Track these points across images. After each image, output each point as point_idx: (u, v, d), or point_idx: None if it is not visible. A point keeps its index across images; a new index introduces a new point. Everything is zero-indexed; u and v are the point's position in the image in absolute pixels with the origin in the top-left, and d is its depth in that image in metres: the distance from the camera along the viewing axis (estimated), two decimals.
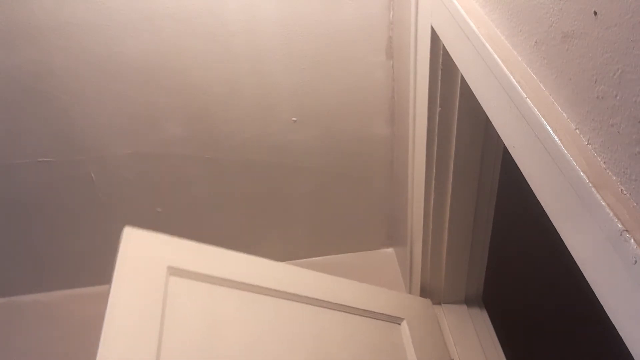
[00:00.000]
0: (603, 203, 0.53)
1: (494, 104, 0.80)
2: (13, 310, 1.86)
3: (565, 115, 0.63)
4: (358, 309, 1.42)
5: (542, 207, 0.68)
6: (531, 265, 1.98)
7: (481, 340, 1.51)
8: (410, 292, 1.75)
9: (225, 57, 1.53)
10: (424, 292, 1.60)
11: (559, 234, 0.64)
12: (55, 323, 1.82)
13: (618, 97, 0.52)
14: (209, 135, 1.66)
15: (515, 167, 0.75)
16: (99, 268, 1.90)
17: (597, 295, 0.57)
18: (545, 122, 0.64)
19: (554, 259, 1.26)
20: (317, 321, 1.36)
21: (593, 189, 0.55)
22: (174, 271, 1.18)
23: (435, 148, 1.27)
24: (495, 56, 0.76)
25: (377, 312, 1.43)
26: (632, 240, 0.49)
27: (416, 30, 1.20)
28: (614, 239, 0.51)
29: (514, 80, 0.71)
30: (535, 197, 0.69)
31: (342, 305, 1.41)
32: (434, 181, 1.34)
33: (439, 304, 1.61)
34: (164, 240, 1.25)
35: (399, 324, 1.46)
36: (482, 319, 1.57)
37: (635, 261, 0.49)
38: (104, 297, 1.90)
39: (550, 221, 0.66)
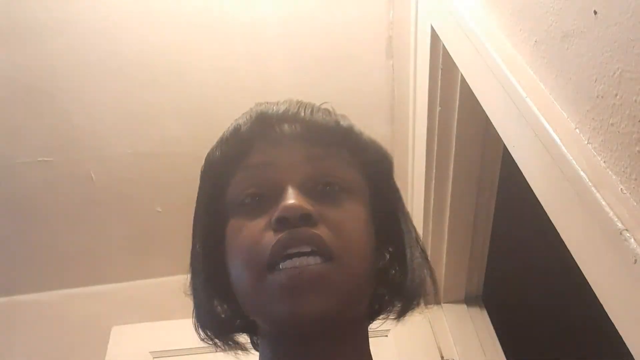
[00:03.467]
0: (603, 202, 0.53)
1: (494, 103, 0.80)
2: (13, 310, 1.86)
3: (565, 114, 0.63)
4: None
5: (542, 206, 0.68)
6: (531, 265, 1.97)
7: (481, 340, 1.51)
8: None
9: (225, 57, 1.53)
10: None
11: (559, 234, 0.64)
12: (55, 323, 1.82)
13: (618, 96, 0.52)
14: (209, 135, 1.64)
15: (515, 166, 0.75)
16: (99, 268, 1.90)
17: (597, 294, 0.57)
18: (545, 122, 0.63)
19: (554, 258, 1.26)
20: None
21: (593, 188, 0.55)
22: (157, 354, 1.45)
23: (435, 148, 1.27)
24: (495, 56, 0.76)
25: None
26: (632, 240, 0.49)
27: (416, 30, 1.21)
28: (614, 238, 0.51)
29: (514, 79, 0.71)
30: (536, 196, 0.69)
31: None
32: (434, 181, 1.33)
33: (439, 303, 1.61)
34: (146, 329, 1.52)
35: (386, 335, 1.47)
36: (482, 319, 1.57)
37: (635, 260, 0.49)
38: (104, 297, 1.91)
39: (550, 220, 0.66)
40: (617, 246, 0.51)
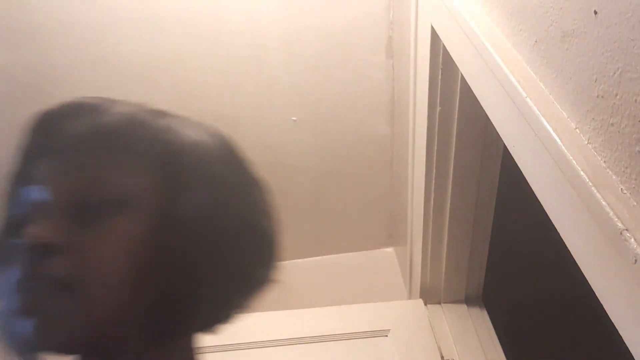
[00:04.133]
0: (603, 202, 0.53)
1: (494, 103, 0.80)
2: None
3: (565, 114, 0.63)
4: (339, 334, 1.48)
5: (542, 206, 0.68)
6: (531, 265, 1.97)
7: (481, 340, 1.51)
8: (410, 292, 1.75)
9: (225, 57, 1.53)
10: (424, 292, 1.60)
11: (559, 234, 0.64)
12: None
13: (618, 96, 0.52)
14: None
15: (516, 166, 0.75)
16: None
17: (597, 294, 0.57)
18: (545, 122, 0.63)
19: (554, 258, 1.26)
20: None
21: (593, 188, 0.55)
22: None
23: (435, 148, 1.27)
24: (496, 56, 0.76)
25: (360, 332, 1.47)
26: (632, 240, 0.49)
27: (416, 29, 1.20)
28: (614, 239, 0.51)
29: (514, 79, 0.71)
30: (536, 196, 0.69)
31: (321, 336, 1.49)
32: (434, 181, 1.33)
33: (439, 303, 1.61)
34: None
35: (386, 335, 1.48)
36: (482, 319, 1.57)
37: (636, 260, 0.49)
38: None
39: (550, 220, 0.66)
40: (617, 246, 0.51)
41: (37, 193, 0.47)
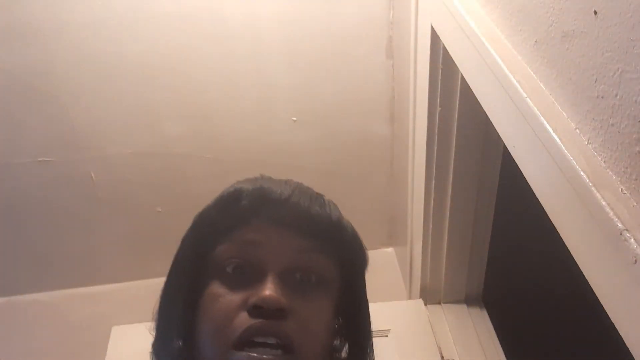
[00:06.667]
0: (603, 202, 0.53)
1: (494, 103, 0.80)
2: (13, 310, 1.86)
3: (565, 114, 0.63)
4: None
5: (542, 206, 0.68)
6: (531, 265, 1.97)
7: (481, 340, 1.51)
8: (410, 292, 1.75)
9: (225, 57, 1.53)
10: (424, 292, 1.60)
11: (559, 234, 0.64)
12: (55, 323, 1.82)
13: (618, 97, 0.52)
14: (209, 135, 1.66)
15: (515, 167, 0.75)
16: (99, 268, 1.90)
17: (597, 294, 0.57)
18: (545, 122, 0.64)
19: (554, 258, 1.26)
20: None
21: (593, 188, 0.55)
22: None
23: (435, 148, 1.27)
24: (496, 56, 0.76)
25: None
26: (632, 240, 0.49)
27: (416, 30, 1.21)
28: (614, 239, 0.51)
29: (514, 79, 0.71)
30: (536, 196, 0.69)
31: None
32: (434, 181, 1.33)
33: (439, 303, 1.61)
34: (146, 329, 1.56)
35: (386, 335, 1.47)
36: (482, 319, 1.57)
37: (635, 261, 0.49)
38: (104, 297, 1.90)
39: (550, 221, 0.66)
40: (617, 246, 0.51)
41: (267, 258, 0.57)
